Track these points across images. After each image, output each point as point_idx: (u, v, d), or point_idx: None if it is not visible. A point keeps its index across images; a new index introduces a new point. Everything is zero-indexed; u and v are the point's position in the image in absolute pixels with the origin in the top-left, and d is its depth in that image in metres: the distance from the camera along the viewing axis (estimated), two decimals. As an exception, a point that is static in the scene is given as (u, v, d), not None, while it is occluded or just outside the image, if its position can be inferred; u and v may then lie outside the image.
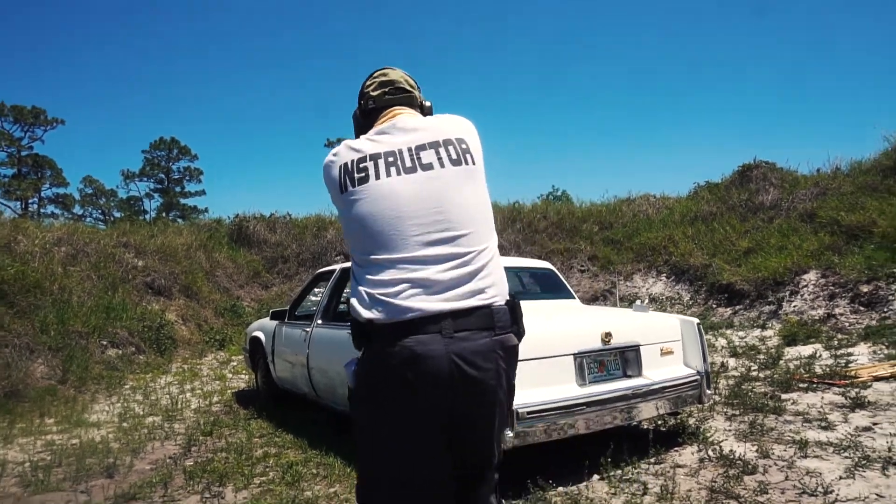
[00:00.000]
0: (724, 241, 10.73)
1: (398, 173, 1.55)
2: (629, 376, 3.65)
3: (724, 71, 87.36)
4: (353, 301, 1.55)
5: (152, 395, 6.43)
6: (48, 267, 8.63)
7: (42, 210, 39.93)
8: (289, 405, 5.49)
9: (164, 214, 39.70)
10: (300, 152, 72.29)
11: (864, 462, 3.28)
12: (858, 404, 4.38)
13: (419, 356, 1.44)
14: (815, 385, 5.10)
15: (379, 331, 1.48)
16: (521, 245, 12.76)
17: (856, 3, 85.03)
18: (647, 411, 3.65)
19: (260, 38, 79.33)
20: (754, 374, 5.70)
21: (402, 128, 1.65)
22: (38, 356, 6.77)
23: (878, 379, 5.08)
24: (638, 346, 3.72)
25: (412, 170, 1.56)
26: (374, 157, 1.58)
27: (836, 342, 6.69)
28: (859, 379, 5.04)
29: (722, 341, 7.45)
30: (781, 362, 6.03)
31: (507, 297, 1.59)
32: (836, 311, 7.64)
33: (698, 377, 3.85)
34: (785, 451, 3.60)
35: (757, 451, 3.59)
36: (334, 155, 1.65)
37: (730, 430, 4.13)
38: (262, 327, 6.14)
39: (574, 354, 3.45)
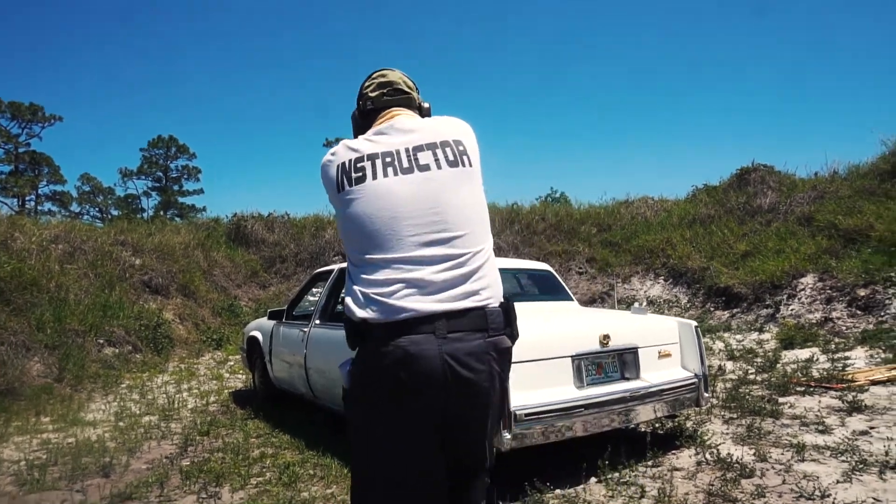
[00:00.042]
0: (721, 244, 10.74)
1: (395, 173, 1.56)
2: (627, 379, 3.65)
3: (721, 73, 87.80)
4: (348, 300, 1.56)
5: (149, 395, 6.41)
6: (45, 264, 8.61)
7: (39, 207, 39.88)
8: (286, 405, 5.48)
9: (161, 213, 39.62)
10: (299, 152, 72.46)
11: (861, 466, 3.28)
12: (856, 408, 4.39)
13: (413, 356, 1.45)
14: (812, 389, 5.11)
15: (373, 330, 1.49)
16: (520, 246, 12.76)
17: (854, 7, 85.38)
18: (644, 414, 3.65)
19: (260, 37, 79.53)
20: (752, 377, 5.71)
21: (400, 129, 1.66)
22: (34, 354, 6.75)
23: (875, 383, 5.09)
24: (636, 348, 3.71)
25: (409, 170, 1.57)
26: (372, 157, 1.59)
27: (833, 346, 6.70)
28: (856, 383, 5.05)
29: (719, 344, 7.46)
30: (779, 366, 6.03)
31: (502, 300, 1.60)
32: (834, 314, 7.65)
33: (696, 380, 3.85)
34: (782, 454, 3.61)
35: (754, 454, 3.60)
36: (332, 154, 1.66)
37: (727, 434, 4.13)
38: (259, 327, 6.12)
39: (572, 356, 3.45)
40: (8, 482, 3.84)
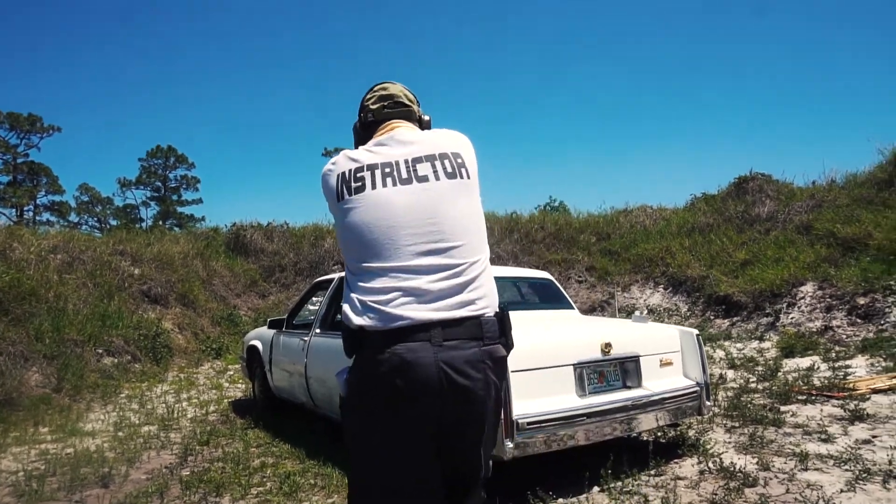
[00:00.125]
0: (720, 253, 10.76)
1: (394, 184, 1.59)
2: (629, 387, 3.64)
3: (719, 83, 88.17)
4: (346, 307, 1.58)
5: (148, 404, 6.38)
6: (43, 274, 8.59)
7: (38, 217, 39.80)
8: (286, 415, 5.46)
9: (160, 223, 39.61)
10: (298, 162, 72.61)
11: (864, 475, 3.27)
12: (858, 417, 4.37)
13: (409, 363, 1.46)
14: (813, 397, 5.10)
15: (370, 337, 1.51)
16: (519, 255, 12.77)
17: (852, 16, 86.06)
18: (647, 422, 3.64)
19: (259, 38, 79.88)
20: (753, 385, 5.70)
21: (400, 140, 1.69)
22: (32, 364, 6.72)
23: (876, 391, 5.08)
24: (638, 356, 3.71)
25: (408, 181, 1.60)
26: (372, 168, 1.62)
27: (833, 354, 6.70)
28: (858, 391, 5.04)
29: (720, 353, 7.45)
30: (780, 374, 6.03)
31: (497, 309, 1.62)
32: (834, 322, 7.65)
33: (698, 388, 3.84)
34: (785, 463, 3.59)
35: (757, 463, 3.58)
36: (333, 164, 1.70)
37: (730, 442, 4.11)
38: (259, 336, 6.11)
39: (574, 365, 3.44)
40: (6, 493, 3.81)
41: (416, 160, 1.62)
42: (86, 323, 7.98)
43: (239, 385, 7.53)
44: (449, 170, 1.62)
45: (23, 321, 7.28)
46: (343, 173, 1.64)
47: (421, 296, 1.50)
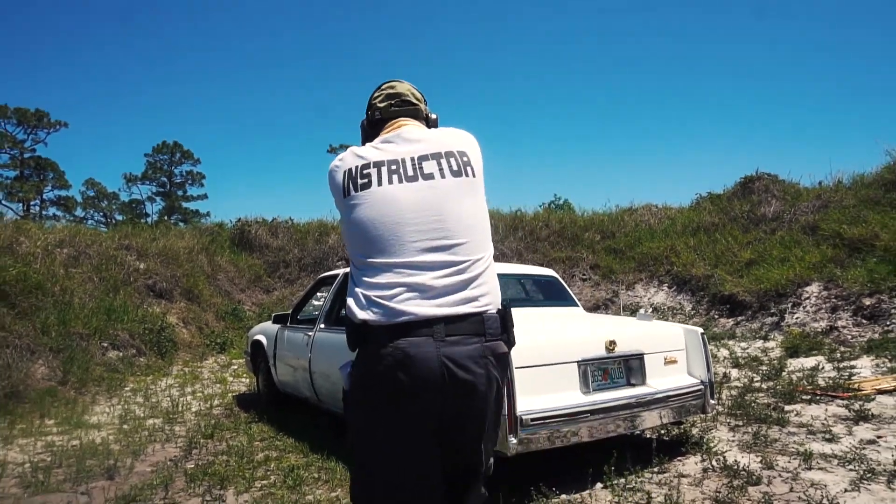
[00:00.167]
0: (725, 252, 10.73)
1: (400, 181, 1.60)
2: (633, 385, 3.63)
3: (724, 82, 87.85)
4: (350, 302, 1.59)
5: (153, 398, 6.41)
6: (50, 268, 8.64)
7: (44, 212, 40.00)
8: (290, 409, 5.48)
9: (165, 218, 39.71)
10: (303, 158, 72.70)
11: (869, 475, 3.26)
12: (862, 417, 4.36)
13: (411, 358, 1.47)
14: (818, 397, 5.09)
15: (373, 332, 1.52)
16: (523, 253, 12.77)
17: (859, 16, 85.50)
18: (650, 420, 3.64)
19: (260, 37, 79.98)
20: (757, 385, 5.68)
21: (407, 138, 1.70)
22: (38, 357, 6.76)
23: (881, 392, 5.06)
24: (642, 354, 3.71)
25: (413, 178, 1.61)
26: (378, 165, 1.63)
27: (838, 354, 6.68)
28: (863, 392, 5.02)
29: (724, 352, 7.44)
30: (784, 374, 6.01)
31: (500, 307, 1.63)
32: (839, 323, 7.63)
33: (702, 387, 3.83)
34: (789, 462, 3.58)
35: (761, 462, 3.58)
36: (339, 160, 1.71)
37: (733, 441, 4.11)
38: (263, 331, 6.13)
39: (578, 362, 3.44)
40: (12, 484, 3.84)
41: (423, 158, 1.64)
42: (91, 316, 8.02)
43: (243, 379, 7.56)
44: (454, 168, 1.63)
45: (29, 314, 7.32)
46: (350, 170, 1.65)
47: (425, 292, 1.52)
